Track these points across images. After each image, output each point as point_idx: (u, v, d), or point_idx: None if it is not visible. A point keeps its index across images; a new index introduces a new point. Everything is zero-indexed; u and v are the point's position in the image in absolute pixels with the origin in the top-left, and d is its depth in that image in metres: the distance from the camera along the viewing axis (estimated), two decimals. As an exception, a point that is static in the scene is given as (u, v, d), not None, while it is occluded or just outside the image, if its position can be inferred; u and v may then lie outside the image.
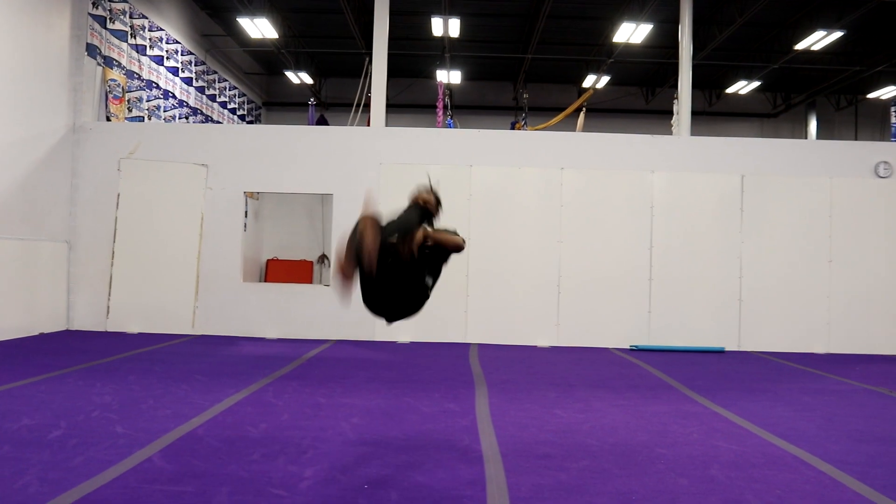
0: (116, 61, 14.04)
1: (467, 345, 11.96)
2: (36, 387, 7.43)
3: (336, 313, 12.45)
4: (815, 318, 12.57)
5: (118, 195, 12.63)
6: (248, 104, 22.93)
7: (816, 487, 4.82)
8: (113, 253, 12.55)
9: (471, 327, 12.38)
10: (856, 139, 24.80)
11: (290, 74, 22.44)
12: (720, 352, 12.25)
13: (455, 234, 5.39)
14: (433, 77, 21.60)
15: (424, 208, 5.91)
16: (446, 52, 19.47)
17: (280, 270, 16.85)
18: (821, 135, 25.18)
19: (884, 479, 5.02)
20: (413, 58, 21.43)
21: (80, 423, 5.95)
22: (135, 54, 14.95)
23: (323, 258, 16.95)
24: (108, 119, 13.62)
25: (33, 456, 4.97)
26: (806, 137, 25.04)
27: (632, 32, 17.30)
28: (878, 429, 6.69)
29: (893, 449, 5.94)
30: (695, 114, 13.81)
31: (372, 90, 13.50)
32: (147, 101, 15.52)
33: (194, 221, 12.66)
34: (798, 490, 4.75)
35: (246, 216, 13.20)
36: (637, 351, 12.11)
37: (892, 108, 23.58)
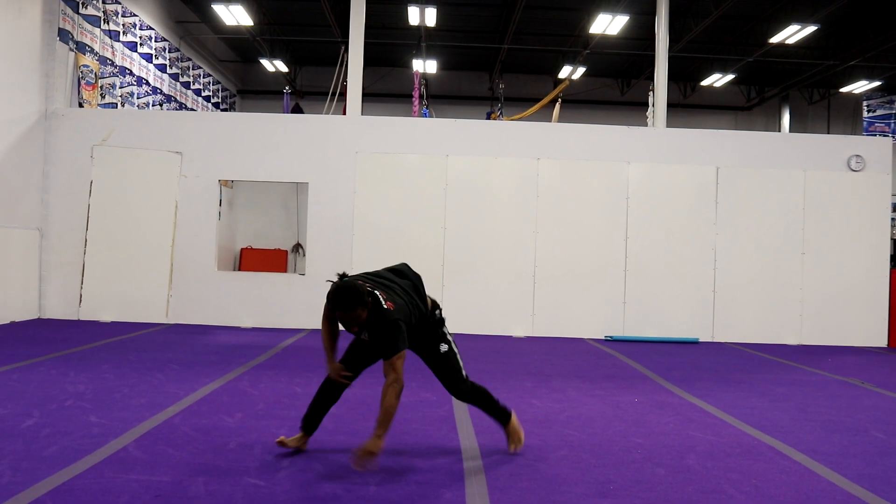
0: (89, 47, 13.87)
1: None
2: (7, 375, 7.34)
3: (311, 302, 12.40)
4: (787, 309, 12.68)
5: (91, 182, 12.50)
6: (222, 92, 22.75)
7: (791, 477, 4.86)
8: (86, 241, 12.42)
9: (451, 316, 12.34)
10: (828, 132, 25.02)
11: (265, 62, 22.28)
12: (694, 343, 12.33)
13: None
14: (409, 66, 21.52)
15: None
16: (423, 41, 19.40)
17: (254, 259, 16.78)
18: (794, 128, 25.37)
19: (857, 469, 5.07)
20: (389, 47, 21.34)
21: (54, 413, 5.88)
22: (108, 40, 14.77)
23: (297, 247, 16.88)
24: (80, 105, 13.45)
25: (6, 446, 4.91)
26: (779, 130, 25.24)
27: (608, 24, 17.31)
28: (850, 419, 6.76)
29: (865, 439, 6.00)
30: (670, 106, 13.87)
31: (348, 79, 13.43)
32: (120, 87, 15.36)
33: (168, 209, 12.55)
34: (773, 479, 4.78)
35: (220, 205, 13.09)
36: (612, 341, 12.16)
37: (865, 102, 23.81)
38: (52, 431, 5.31)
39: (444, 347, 5.06)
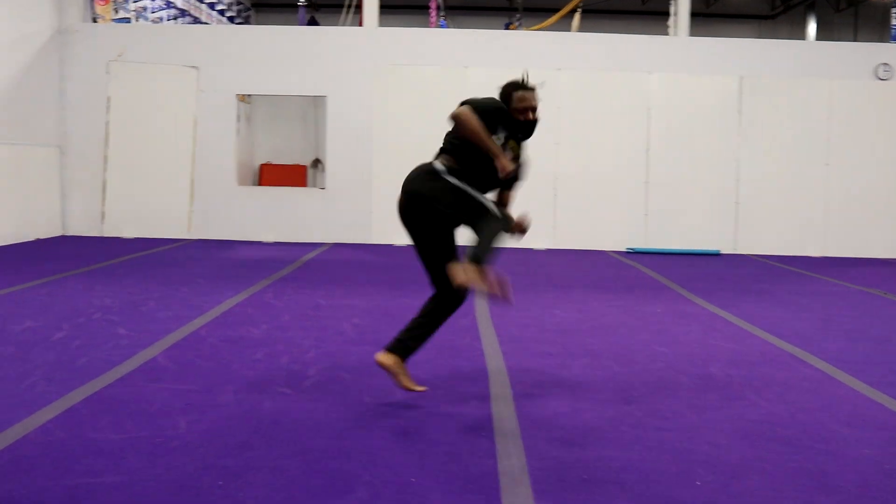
0: (102, -40, 13.65)
1: (464, 247, 11.95)
2: (36, 290, 7.43)
3: (331, 217, 12.46)
4: (811, 221, 12.60)
5: (108, 98, 12.44)
6: (236, 5, 22.42)
7: (813, 384, 4.88)
8: (106, 157, 12.43)
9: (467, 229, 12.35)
10: (855, 42, 24.46)
11: (279, -26, 21.89)
12: (716, 254, 12.30)
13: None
14: (426, -23, 21.07)
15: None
16: (440, -51, 18.97)
17: (274, 175, 16.71)
18: (820, 37, 24.77)
19: (878, 376, 5.08)
20: (406, -44, 20.89)
21: (82, 325, 5.97)
22: (120, -48, 14.53)
23: (316, 162, 16.81)
24: (94, 20, 13.30)
25: (39, 357, 4.99)
26: (804, 40, 24.69)
27: (630, -71, 16.85)
28: (872, 329, 6.76)
29: (889, 348, 6.01)
30: (692, 15, 13.52)
31: (365, -10, 13.18)
32: (133, 1, 15.15)
33: (187, 125, 12.51)
34: (796, 386, 4.81)
35: (238, 120, 13.03)
36: (633, 253, 12.15)
37: (893, 10, 23.18)
38: (83, 343, 5.39)
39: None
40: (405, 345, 4.35)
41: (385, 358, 4.27)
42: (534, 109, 4.44)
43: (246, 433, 3.72)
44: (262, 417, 3.96)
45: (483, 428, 3.90)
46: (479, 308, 6.97)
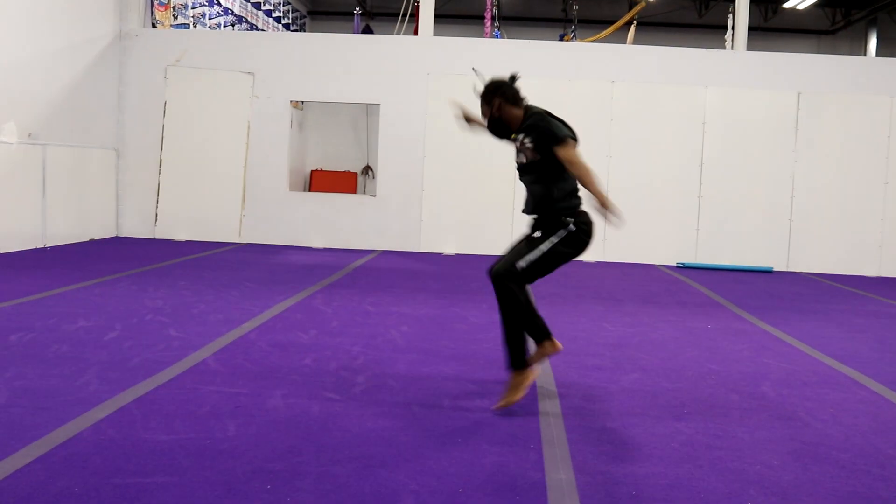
0: (162, -34, 13.89)
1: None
2: (90, 290, 7.55)
3: (381, 224, 12.51)
4: (867, 240, 12.35)
5: (165, 103, 12.64)
6: (292, 13, 22.68)
7: (870, 407, 4.77)
8: (160, 161, 12.61)
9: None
10: (916, 57, 23.99)
11: (335, -17, 22.10)
12: (768, 272, 12.12)
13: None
14: (481, -13, 21.12)
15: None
16: (495, -40, 19.00)
17: (324, 181, 16.84)
18: (881, 53, 24.36)
19: (938, 401, 4.96)
20: (461, -33, 20.96)
21: (135, 326, 6.05)
22: (181, -41, 14.76)
23: (367, 169, 16.90)
24: (153, 26, 13.53)
25: (92, 356, 5.07)
26: (864, 56, 24.27)
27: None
28: (931, 351, 6.60)
29: (948, 371, 5.86)
30: (750, 29, 13.38)
31: (420, 0, 13.24)
32: (192, 7, 15.40)
33: (241, 130, 12.65)
34: (851, 409, 4.70)
35: (290, 126, 13.15)
36: (684, 268, 12.02)
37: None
38: (134, 344, 5.46)
39: (537, 234, 4.56)
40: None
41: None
42: (483, 112, 4.79)
43: (294, 438, 3.74)
44: (311, 423, 3.98)
45: (531, 440, 3.87)
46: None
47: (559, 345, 4.59)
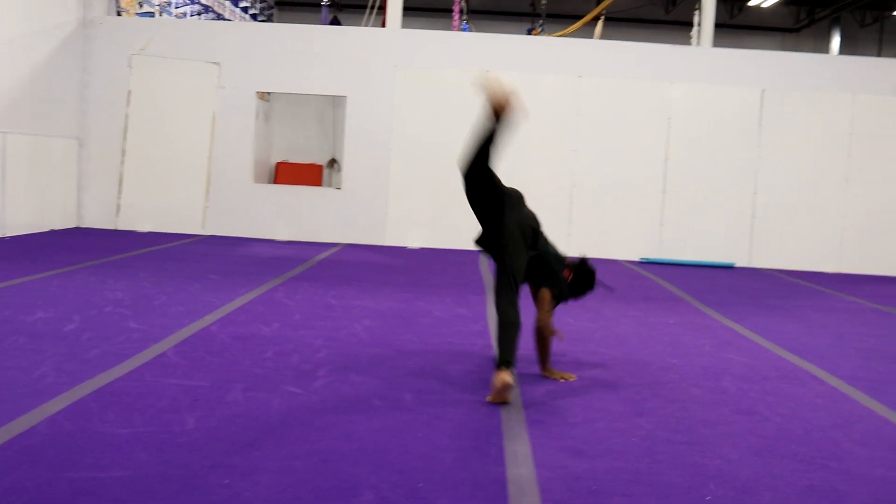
0: (127, -47, 13.70)
1: (478, 251, 11.93)
2: (48, 281, 7.44)
3: (346, 217, 12.46)
4: (827, 237, 12.50)
5: (129, 92, 12.48)
6: (260, 3, 22.49)
7: (828, 401, 4.83)
8: (123, 151, 12.46)
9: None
10: (879, 57, 24.31)
11: (302, -27, 21.93)
12: (730, 267, 12.22)
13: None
14: (449, -20, 21.06)
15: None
16: (464, -47, 18.94)
17: (290, 173, 16.72)
18: (844, 52, 24.66)
19: (894, 396, 5.02)
20: (429, -41, 20.89)
21: (94, 318, 5.97)
22: (145, -53, 14.57)
23: (332, 162, 16.82)
24: (118, 14, 13.35)
25: (49, 348, 4.99)
26: (828, 54, 24.54)
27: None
28: (888, 347, 6.69)
29: (905, 367, 5.95)
30: (715, 26, 13.44)
31: (388, -9, 13.18)
32: (158, -4, 15.21)
33: (205, 121, 12.53)
34: (810, 403, 4.75)
35: (256, 118, 13.04)
36: (647, 264, 12.09)
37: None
38: (93, 335, 5.39)
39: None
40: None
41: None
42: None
43: (254, 432, 3.70)
44: (271, 416, 3.94)
45: (492, 435, 3.87)
46: (491, 314, 6.91)
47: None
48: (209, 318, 6.16)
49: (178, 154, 12.54)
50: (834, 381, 5.31)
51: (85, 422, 3.69)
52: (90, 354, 4.90)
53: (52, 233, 11.46)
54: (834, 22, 24.71)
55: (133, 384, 4.34)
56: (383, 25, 14.00)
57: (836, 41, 24.80)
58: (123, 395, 4.13)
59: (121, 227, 12.44)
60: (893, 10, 22.85)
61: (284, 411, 4.04)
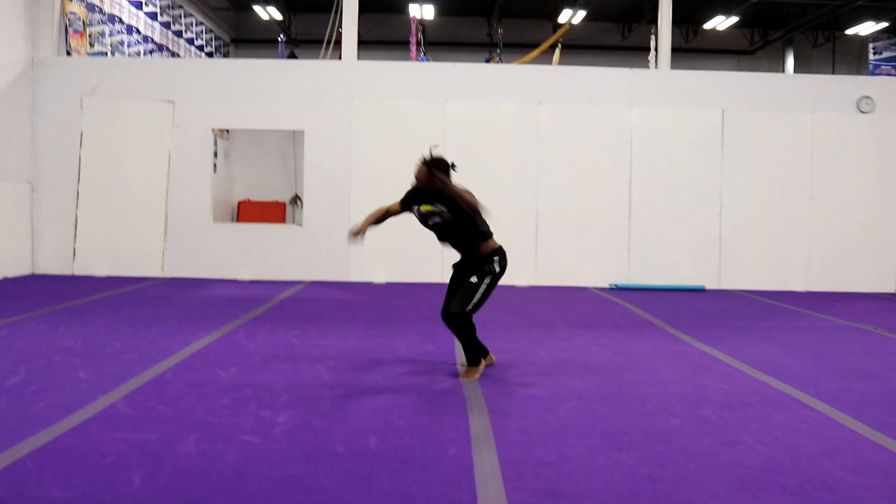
0: (76, -7, 13.43)
1: (444, 285, 11.68)
2: (-5, 331, 7.10)
3: (309, 254, 12.19)
4: (795, 255, 12.44)
5: (81, 133, 12.17)
6: (215, 41, 22.26)
7: (813, 426, 4.63)
8: (78, 194, 12.12)
9: (447, 267, 12.03)
10: (834, 75, 24.55)
11: (258, 9, 21.69)
12: (700, 290, 12.09)
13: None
14: (405, 12, 21.00)
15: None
16: (419, -15, 18.88)
17: (252, 212, 16.46)
18: (798, 72, 24.83)
19: (878, 417, 4.85)
20: (385, -8, 20.79)
21: (41, 369, 5.65)
22: (95, -14, 14.30)
23: (296, 199, 16.57)
24: (68, 54, 13.05)
25: (-12, 403, 4.68)
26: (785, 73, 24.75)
27: (610, -36, 16.83)
28: (866, 366, 6.54)
29: (885, 386, 5.78)
30: (672, 50, 13.40)
31: (343, 24, 13.01)
32: (110, 35, 14.93)
33: (161, 160, 12.24)
34: (795, 429, 4.55)
35: (216, 157, 12.78)
36: (617, 290, 11.92)
37: (871, 45, 23.29)
38: (39, 388, 5.08)
39: (473, 279, 5.61)
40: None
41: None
42: (418, 179, 5.75)
43: (206, 488, 3.42)
44: (225, 470, 3.66)
45: (464, 479, 3.62)
46: (459, 350, 6.69)
47: (493, 357, 6.11)
48: (164, 365, 5.86)
49: (134, 195, 12.22)
50: (817, 405, 5.13)
51: (21, 485, 3.40)
52: (33, 409, 4.59)
53: (4, 281, 11.07)
54: (787, 43, 24.92)
55: (77, 440, 4.05)
56: (340, 59, 13.81)
57: (790, 62, 25.01)
58: (65, 454, 3.83)
59: (77, 273, 12.07)
60: (845, 30, 23.08)
61: (240, 463, 3.76)
